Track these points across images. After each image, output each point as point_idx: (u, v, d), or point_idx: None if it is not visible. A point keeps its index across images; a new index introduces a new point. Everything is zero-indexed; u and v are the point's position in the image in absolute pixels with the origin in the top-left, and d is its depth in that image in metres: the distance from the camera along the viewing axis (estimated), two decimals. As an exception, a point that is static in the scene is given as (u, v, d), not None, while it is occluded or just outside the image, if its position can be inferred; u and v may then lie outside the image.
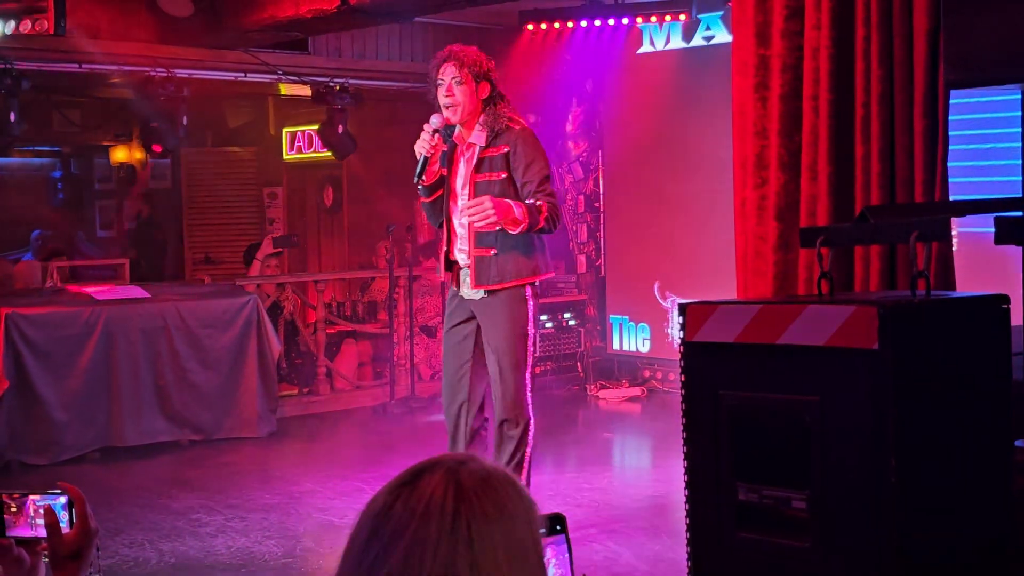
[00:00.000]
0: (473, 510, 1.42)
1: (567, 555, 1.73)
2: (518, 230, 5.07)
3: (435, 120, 5.18)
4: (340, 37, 10.04)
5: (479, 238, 5.18)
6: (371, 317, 10.36)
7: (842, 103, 4.32)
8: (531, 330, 5.25)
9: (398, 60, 10.43)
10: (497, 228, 5.08)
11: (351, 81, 10.07)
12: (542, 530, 1.56)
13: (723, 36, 9.19)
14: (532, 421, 5.28)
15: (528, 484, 5.16)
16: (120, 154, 13.50)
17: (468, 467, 1.47)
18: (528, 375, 5.27)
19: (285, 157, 13.01)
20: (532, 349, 5.27)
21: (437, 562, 1.39)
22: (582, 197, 10.86)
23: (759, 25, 4.58)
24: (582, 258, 10.87)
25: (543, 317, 10.12)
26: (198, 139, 12.64)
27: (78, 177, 13.85)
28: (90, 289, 8.22)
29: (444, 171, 5.33)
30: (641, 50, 10.15)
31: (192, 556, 5.59)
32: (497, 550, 1.42)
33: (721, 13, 9.25)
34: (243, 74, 9.71)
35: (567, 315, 10.34)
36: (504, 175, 5.18)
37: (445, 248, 5.38)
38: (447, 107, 5.20)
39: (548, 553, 1.71)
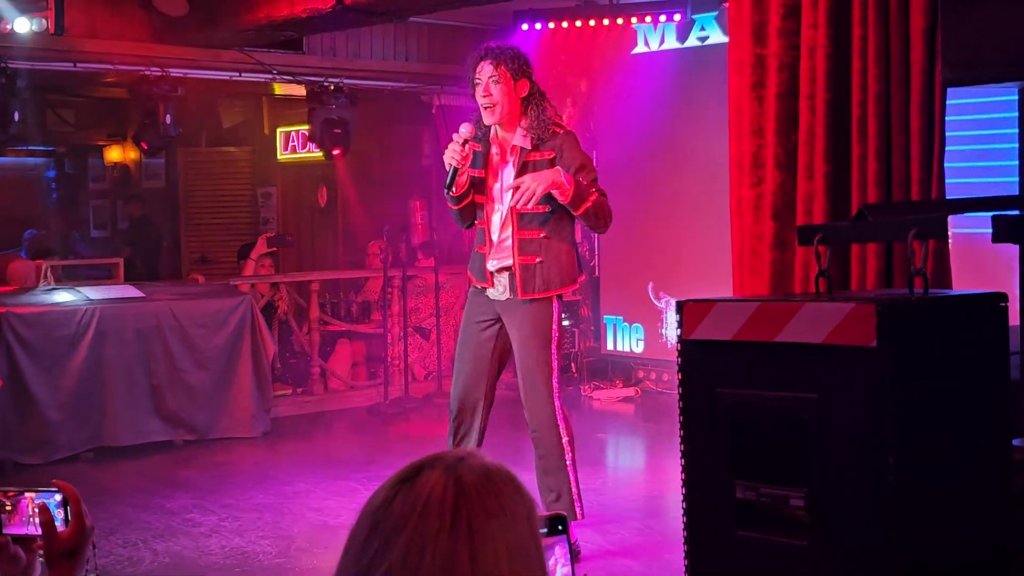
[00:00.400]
0: (473, 505, 1.42)
1: (568, 556, 1.72)
2: (567, 198, 4.91)
3: (464, 129, 5.05)
4: (335, 37, 10.04)
5: (523, 245, 5.07)
6: (365, 317, 10.35)
7: (839, 102, 4.31)
8: (555, 333, 5.16)
9: (392, 60, 10.42)
10: (540, 236, 5.02)
11: (346, 81, 10.06)
12: (543, 530, 1.56)
13: (718, 36, 9.20)
14: (564, 427, 5.15)
15: (577, 494, 5.20)
16: (114, 154, 13.48)
17: (468, 463, 1.46)
18: (556, 380, 5.15)
19: (279, 157, 12.99)
20: (557, 352, 5.17)
21: (437, 557, 1.39)
22: (577, 197, 10.85)
23: (755, 24, 4.57)
24: (577, 258, 10.86)
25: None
26: (192, 139, 12.62)
27: (72, 176, 13.83)
28: (84, 288, 8.20)
29: (479, 173, 5.18)
30: (636, 50, 10.15)
31: (186, 556, 5.57)
32: (497, 545, 1.41)
33: (716, 13, 9.25)
34: (238, 73, 9.70)
35: (561, 315, 10.32)
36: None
37: (478, 252, 5.24)
38: (485, 107, 5.06)
39: (556, 552, 1.70)
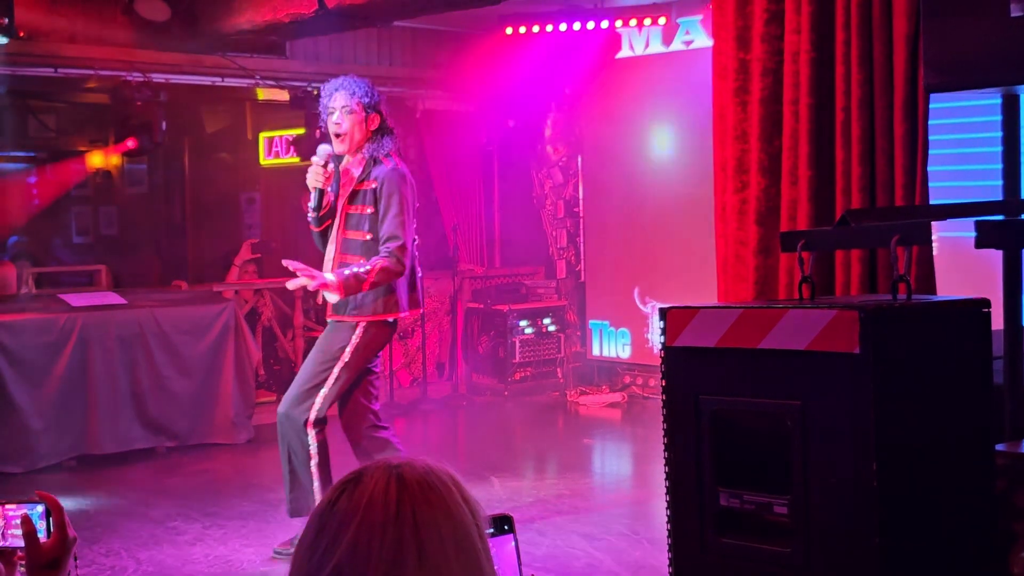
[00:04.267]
0: (416, 498, 1.46)
1: (515, 555, 1.75)
2: (341, 295, 5.14)
3: (322, 151, 5.26)
4: (318, 41, 10.01)
5: (342, 269, 5.21)
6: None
7: (822, 107, 4.32)
8: (347, 356, 5.28)
9: (376, 64, 10.40)
10: (359, 262, 5.16)
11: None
12: (490, 529, 1.61)
13: (703, 40, 9.21)
14: (312, 435, 5.30)
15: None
16: (96, 159, 13.42)
17: (409, 464, 1.51)
18: (323, 393, 5.26)
19: (262, 162, 12.95)
20: (342, 375, 5.28)
21: (385, 547, 1.42)
22: (561, 202, 10.86)
23: (739, 29, 4.58)
24: (562, 263, 10.87)
25: (522, 323, 10.11)
26: (175, 144, 12.57)
27: (53, 183, 13.75)
28: (66, 295, 8.16)
29: (331, 195, 5.39)
30: (621, 54, 10.16)
31: (170, 564, 5.54)
32: (443, 533, 1.45)
33: (701, 17, 9.27)
34: (220, 79, 9.67)
35: (547, 321, 10.33)
36: (371, 210, 5.25)
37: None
38: (336, 135, 5.26)
39: (504, 551, 1.74)
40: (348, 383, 5.34)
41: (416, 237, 5.47)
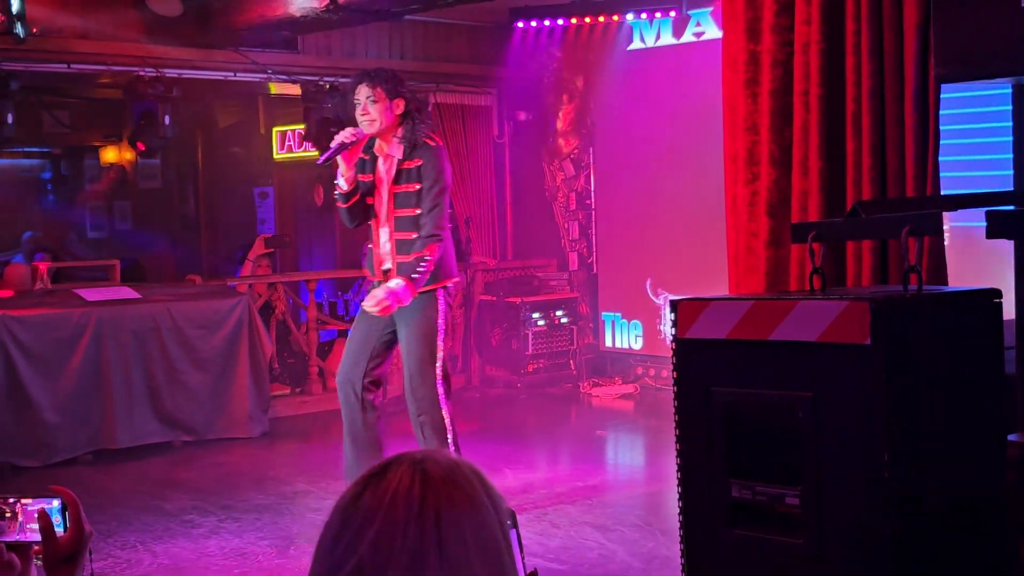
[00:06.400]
0: (439, 496, 1.45)
1: (519, 551, 1.75)
2: (414, 295, 5.54)
3: (349, 130, 5.60)
4: (329, 36, 10.02)
5: (399, 245, 5.62)
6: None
7: (833, 98, 4.31)
8: (441, 325, 5.69)
9: (388, 58, 10.40)
10: (414, 236, 5.56)
11: (341, 80, 10.04)
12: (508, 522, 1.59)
13: (713, 32, 9.20)
14: (446, 409, 5.67)
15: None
16: (110, 155, 13.47)
17: (433, 459, 1.50)
18: (439, 368, 5.67)
19: (275, 156, 12.98)
20: (443, 343, 5.69)
21: (406, 545, 1.42)
22: (573, 194, 10.86)
23: (749, 21, 4.57)
24: (574, 255, 10.88)
25: (535, 315, 10.13)
26: (188, 139, 12.61)
27: (68, 178, 13.82)
28: (81, 290, 8.20)
29: (368, 177, 5.72)
30: (631, 46, 10.15)
31: (185, 557, 5.57)
32: (465, 533, 1.44)
33: (711, 9, 9.25)
34: (232, 73, 9.69)
35: (559, 313, 10.33)
36: (419, 186, 5.60)
37: (371, 248, 5.80)
38: (363, 124, 5.59)
39: None
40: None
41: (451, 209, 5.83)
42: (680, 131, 9.68)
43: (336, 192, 5.71)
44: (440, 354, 5.68)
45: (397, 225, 5.63)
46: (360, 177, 5.71)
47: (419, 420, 5.71)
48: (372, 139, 5.66)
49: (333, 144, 5.55)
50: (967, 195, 4.17)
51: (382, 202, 5.70)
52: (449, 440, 5.68)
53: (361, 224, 5.82)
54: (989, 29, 3.61)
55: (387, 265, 5.68)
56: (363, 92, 5.57)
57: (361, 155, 5.71)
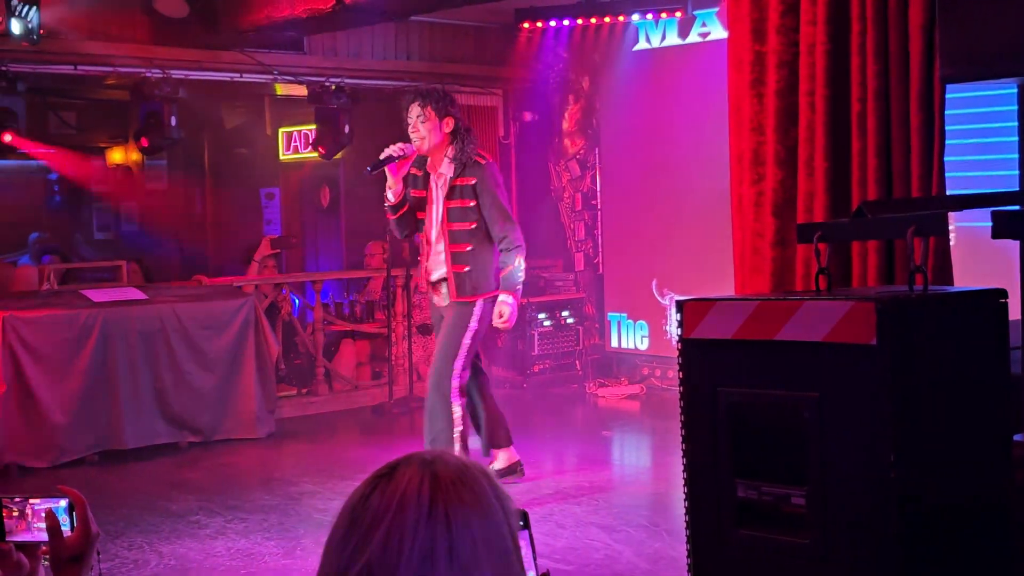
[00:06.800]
0: (449, 497, 1.45)
1: (531, 551, 1.75)
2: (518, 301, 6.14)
3: (395, 147, 6.00)
4: (335, 36, 10.03)
5: (454, 257, 6.04)
6: (369, 317, 10.36)
7: (838, 99, 4.31)
8: (473, 326, 6.08)
9: (393, 59, 10.42)
10: (468, 248, 6.02)
11: (347, 80, 10.06)
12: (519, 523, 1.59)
13: (719, 32, 9.19)
14: (455, 402, 6.04)
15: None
16: (116, 156, 13.48)
17: (443, 459, 1.50)
18: (460, 362, 6.04)
19: (281, 157, 12.99)
20: (471, 342, 6.08)
21: (416, 546, 1.42)
22: (579, 195, 10.87)
23: (755, 21, 4.58)
24: (580, 256, 10.88)
25: (541, 315, 10.13)
26: (194, 140, 12.62)
27: (74, 179, 13.82)
28: (87, 291, 8.21)
29: (421, 193, 6.14)
30: (637, 47, 10.15)
31: (192, 558, 5.58)
32: (474, 534, 1.44)
33: (717, 9, 9.25)
34: (239, 74, 9.70)
35: (565, 313, 10.34)
36: (473, 203, 6.02)
37: (421, 260, 6.32)
38: (414, 141, 5.99)
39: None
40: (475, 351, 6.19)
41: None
42: (686, 131, 9.67)
43: (385, 204, 6.15)
44: (462, 351, 6.01)
45: (452, 238, 6.03)
46: (412, 192, 6.13)
47: (430, 411, 6.03)
48: (424, 156, 6.05)
49: (382, 156, 5.92)
50: (972, 195, 4.17)
51: (435, 216, 6.10)
52: (455, 435, 5.98)
53: (411, 235, 6.35)
54: (994, 29, 3.61)
55: (437, 275, 6.11)
56: (414, 111, 5.94)
57: (413, 171, 6.11)
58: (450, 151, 6.01)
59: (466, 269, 6.03)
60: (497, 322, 6.08)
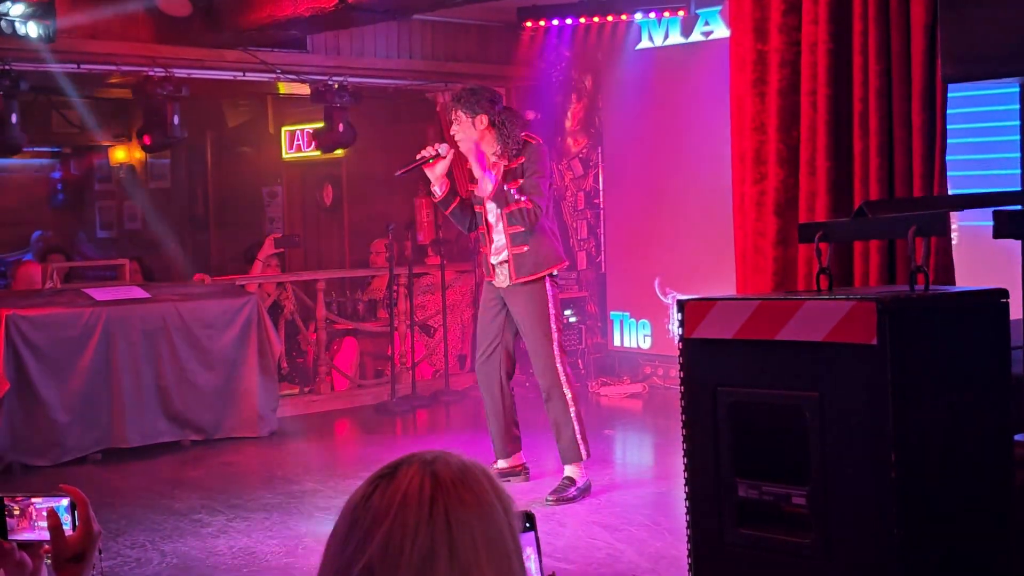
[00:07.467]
0: (450, 498, 1.45)
1: (537, 553, 1.75)
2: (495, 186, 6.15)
3: (429, 148, 6.25)
4: (338, 35, 10.03)
5: (514, 238, 6.19)
6: (371, 315, 10.37)
7: (840, 98, 4.32)
8: (551, 307, 6.23)
9: (396, 58, 10.42)
10: (523, 230, 6.14)
11: (350, 79, 10.06)
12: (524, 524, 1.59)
13: (722, 31, 9.19)
14: (568, 386, 6.21)
15: (586, 447, 6.32)
16: (120, 154, 13.50)
17: (444, 460, 1.50)
18: (558, 347, 6.21)
19: (284, 156, 13.00)
20: (557, 324, 6.23)
21: (416, 547, 1.42)
22: (582, 194, 10.87)
23: (757, 20, 4.58)
24: (582, 255, 10.88)
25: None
26: (197, 139, 12.63)
27: (78, 178, 13.85)
28: (90, 290, 8.22)
29: (472, 186, 6.31)
30: (640, 46, 10.15)
31: (194, 556, 5.59)
32: (475, 535, 1.44)
33: (719, 8, 9.25)
34: (242, 73, 9.70)
35: (568, 312, 10.33)
36: (523, 181, 6.21)
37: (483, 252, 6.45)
38: (458, 140, 6.24)
39: (524, 549, 1.74)
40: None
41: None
42: (688, 130, 9.67)
43: (434, 200, 6.45)
44: (555, 335, 6.21)
45: (510, 220, 6.18)
46: (470, 186, 6.41)
47: (546, 398, 6.25)
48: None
49: (416, 157, 6.20)
50: (974, 195, 4.17)
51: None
52: (572, 415, 6.20)
53: (473, 228, 6.46)
54: (996, 29, 3.61)
55: (499, 258, 6.24)
56: (451, 115, 6.27)
57: (469, 167, 6.36)
58: (496, 147, 6.19)
59: (525, 249, 6.17)
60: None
